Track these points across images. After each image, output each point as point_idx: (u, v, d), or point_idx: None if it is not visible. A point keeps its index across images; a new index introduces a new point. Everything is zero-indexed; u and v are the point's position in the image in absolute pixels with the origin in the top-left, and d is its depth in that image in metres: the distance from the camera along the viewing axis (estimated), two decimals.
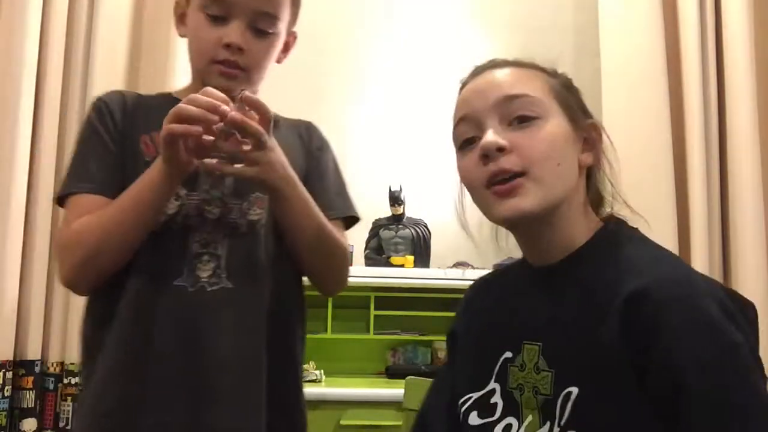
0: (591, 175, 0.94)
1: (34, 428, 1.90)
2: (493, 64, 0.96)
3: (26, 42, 1.92)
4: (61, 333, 1.93)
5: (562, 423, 0.80)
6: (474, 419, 0.91)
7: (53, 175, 1.97)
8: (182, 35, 1.14)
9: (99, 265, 1.01)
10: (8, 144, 1.89)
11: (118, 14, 2.05)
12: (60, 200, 1.07)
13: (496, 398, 0.91)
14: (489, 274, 1.09)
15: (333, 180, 1.18)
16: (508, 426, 0.87)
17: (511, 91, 0.89)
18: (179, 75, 2.01)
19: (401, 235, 2.22)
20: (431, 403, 1.04)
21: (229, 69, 1.08)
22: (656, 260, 0.84)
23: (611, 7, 2.20)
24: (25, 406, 1.89)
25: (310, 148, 1.18)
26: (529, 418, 0.85)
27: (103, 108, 1.09)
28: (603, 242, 0.89)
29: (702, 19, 2.11)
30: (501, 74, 0.93)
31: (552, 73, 0.95)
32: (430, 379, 1.11)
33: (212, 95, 0.94)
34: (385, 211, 2.24)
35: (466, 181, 0.92)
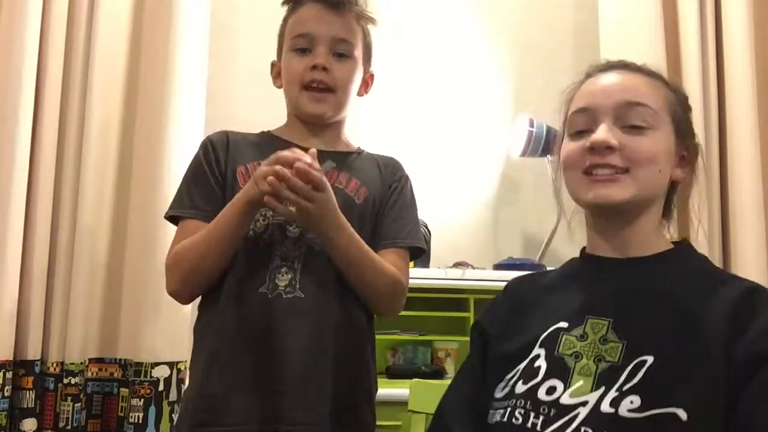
0: (672, 191, 1.02)
1: (34, 428, 1.90)
2: (624, 65, 1.02)
3: (26, 42, 1.92)
4: (61, 333, 1.93)
5: (626, 388, 0.84)
6: (520, 387, 0.93)
7: (53, 175, 1.97)
8: (279, 86, 1.36)
9: (195, 281, 1.23)
10: (8, 144, 1.89)
11: (118, 14, 2.05)
12: (171, 219, 1.30)
13: (540, 362, 0.93)
14: (527, 274, 1.14)
15: (406, 212, 1.34)
16: (552, 388, 0.90)
17: (634, 98, 0.96)
18: (179, 75, 2.01)
19: None
20: (449, 402, 1.05)
21: (316, 93, 1.27)
22: (742, 278, 0.96)
23: (611, 7, 2.20)
24: (25, 406, 1.89)
25: (389, 180, 1.35)
26: (579, 383, 0.88)
27: (208, 146, 1.31)
28: (685, 255, 0.99)
29: (702, 20, 2.12)
30: (629, 78, 0.99)
31: (673, 88, 1.02)
32: (435, 381, 1.12)
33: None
34: None
35: (567, 162, 0.99)
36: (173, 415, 1.91)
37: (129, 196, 2.01)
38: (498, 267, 2.17)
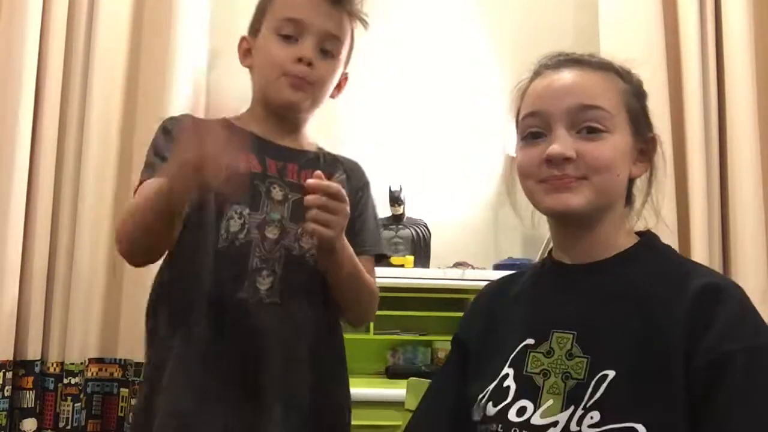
0: (631, 184, 0.98)
1: (34, 428, 1.90)
2: (575, 61, 0.97)
3: (26, 42, 1.92)
4: (61, 333, 1.93)
5: (589, 404, 0.83)
6: (490, 409, 0.92)
7: (53, 175, 1.97)
8: (247, 65, 1.26)
9: (137, 249, 1.12)
10: (8, 144, 1.89)
11: (118, 14, 2.05)
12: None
13: (509, 382, 0.92)
14: (502, 278, 1.10)
15: (370, 219, 1.28)
16: (522, 409, 0.89)
17: (585, 101, 0.91)
18: (179, 75, 2.01)
19: (401, 235, 2.22)
20: (421, 415, 1.05)
21: (296, 81, 1.17)
22: (708, 269, 0.94)
23: (611, 7, 2.20)
24: (25, 406, 1.89)
25: (353, 187, 1.26)
26: (549, 402, 0.87)
27: (167, 131, 1.19)
28: (648, 249, 0.95)
29: (702, 19, 2.11)
30: (579, 78, 0.94)
31: (626, 77, 0.97)
32: (441, 368, 1.11)
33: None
34: (385, 212, 2.24)
35: (522, 171, 0.95)
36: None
37: (129, 195, 2.00)
38: (498, 267, 2.17)
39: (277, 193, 1.17)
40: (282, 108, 1.22)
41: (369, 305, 1.24)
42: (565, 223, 0.96)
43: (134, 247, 1.12)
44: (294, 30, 1.18)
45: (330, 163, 1.26)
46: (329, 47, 1.20)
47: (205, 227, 1.14)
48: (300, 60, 1.16)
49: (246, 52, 1.26)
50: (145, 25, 2.07)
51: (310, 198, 1.05)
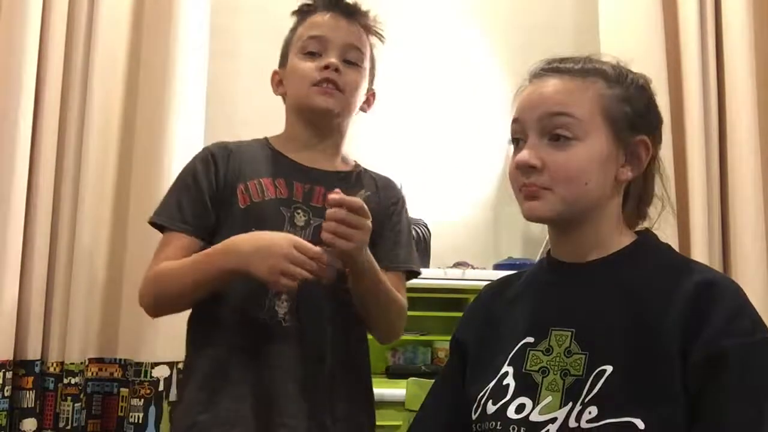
0: (629, 187, 0.99)
1: (34, 428, 1.90)
2: (556, 69, 0.97)
3: (26, 42, 1.92)
4: (61, 333, 1.93)
5: (587, 399, 0.84)
6: (490, 407, 0.93)
7: (53, 175, 1.96)
8: (280, 94, 1.34)
9: (167, 307, 1.23)
10: (8, 144, 1.89)
11: (118, 15, 2.05)
12: (155, 225, 1.26)
13: (509, 380, 0.93)
14: (500, 278, 1.12)
15: (404, 234, 1.33)
16: (521, 406, 0.90)
17: (553, 109, 0.93)
18: (179, 76, 2.01)
19: None
20: (421, 419, 1.06)
21: (326, 88, 1.25)
22: (704, 266, 0.96)
23: (611, 7, 2.20)
24: (25, 406, 1.89)
25: (386, 202, 1.32)
26: (548, 399, 0.88)
27: (209, 159, 1.26)
28: (645, 248, 0.97)
29: (702, 20, 2.11)
30: (554, 87, 0.95)
31: (615, 80, 0.96)
32: (432, 381, 1.12)
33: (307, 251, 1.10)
34: None
35: (509, 177, 0.99)
36: (173, 415, 1.91)
37: (129, 196, 2.01)
38: (498, 267, 2.17)
39: (300, 219, 1.22)
40: (316, 115, 1.28)
41: (396, 321, 1.27)
42: (551, 226, 0.99)
43: (161, 305, 1.23)
44: (317, 46, 1.27)
45: (359, 181, 1.30)
46: (352, 58, 1.28)
47: None
48: (327, 67, 1.24)
49: (278, 83, 1.34)
50: (145, 26, 2.07)
51: (330, 211, 1.09)
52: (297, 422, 1.15)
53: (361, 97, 1.32)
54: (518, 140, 0.97)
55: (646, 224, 1.02)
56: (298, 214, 1.22)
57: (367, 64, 1.32)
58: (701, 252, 2.01)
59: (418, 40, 2.50)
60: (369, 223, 1.11)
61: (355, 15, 1.30)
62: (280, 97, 1.36)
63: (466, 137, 2.45)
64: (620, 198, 0.98)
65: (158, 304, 1.22)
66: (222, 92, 2.29)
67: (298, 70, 1.27)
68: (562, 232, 0.97)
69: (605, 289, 0.93)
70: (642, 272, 0.92)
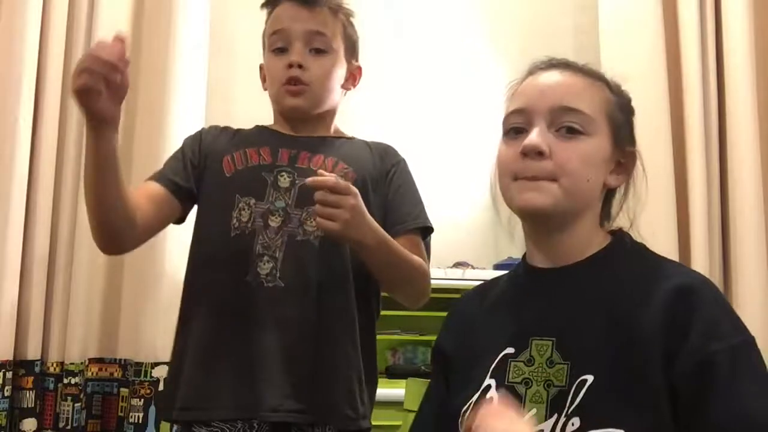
0: (610, 195, 0.99)
1: (34, 428, 1.90)
2: (566, 64, 0.98)
3: (26, 42, 1.92)
4: (61, 333, 1.93)
5: (570, 411, 0.83)
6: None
7: (53, 175, 1.97)
8: (266, 89, 1.34)
9: (92, 213, 1.22)
10: (8, 144, 1.89)
11: (118, 14, 2.05)
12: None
13: (491, 393, 0.92)
14: (478, 285, 1.10)
15: (408, 194, 1.32)
16: None
17: (569, 103, 0.92)
18: (179, 74, 2.01)
19: None
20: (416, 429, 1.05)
21: (293, 87, 1.26)
22: (679, 266, 0.95)
23: (611, 8, 2.20)
24: (25, 406, 1.89)
25: (384, 165, 1.33)
26: (533, 411, 0.86)
27: (197, 134, 1.36)
28: (620, 250, 0.95)
29: (702, 20, 2.11)
30: (566, 80, 0.95)
31: (615, 90, 0.98)
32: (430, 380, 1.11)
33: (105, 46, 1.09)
34: None
35: (500, 166, 0.97)
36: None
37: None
38: (498, 267, 2.17)
39: (284, 181, 1.24)
40: (290, 114, 1.31)
41: (419, 285, 1.26)
42: (536, 224, 0.96)
43: (91, 220, 1.22)
44: (282, 41, 1.28)
45: (349, 146, 1.32)
46: (318, 44, 1.28)
47: (218, 218, 1.24)
48: (290, 66, 1.25)
49: (264, 78, 1.35)
50: (145, 25, 2.07)
51: (316, 195, 1.11)
52: (277, 376, 1.16)
53: (338, 79, 1.32)
54: (518, 130, 0.95)
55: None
56: (282, 176, 1.25)
57: (338, 45, 1.31)
58: (701, 252, 2.01)
59: (418, 40, 2.50)
60: (350, 199, 1.11)
61: (313, 2, 1.29)
62: None
63: (466, 137, 2.45)
64: (601, 203, 0.98)
65: (91, 218, 1.22)
66: (222, 92, 2.29)
67: (269, 70, 1.31)
68: (545, 232, 0.95)
69: (583, 294, 0.91)
70: (618, 275, 0.92)
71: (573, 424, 0.82)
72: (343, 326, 1.23)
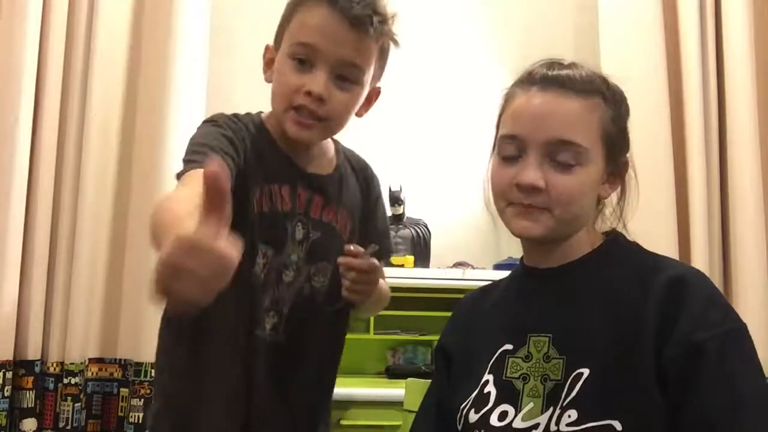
0: (599, 201, 1.00)
1: (34, 428, 1.90)
2: (559, 83, 0.95)
3: (26, 43, 1.92)
4: (61, 333, 1.93)
5: (566, 403, 0.84)
6: (472, 416, 0.94)
7: (53, 175, 1.97)
8: (267, 80, 1.15)
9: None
10: (8, 144, 1.89)
11: (118, 14, 2.05)
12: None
13: (489, 387, 0.94)
14: (480, 287, 1.13)
15: (382, 225, 1.33)
16: (504, 413, 0.90)
17: (564, 136, 0.92)
18: (179, 74, 2.01)
19: (401, 235, 2.22)
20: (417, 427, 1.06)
21: (303, 119, 1.08)
22: (672, 261, 0.96)
23: (611, 8, 2.20)
24: (25, 406, 1.89)
25: (369, 196, 1.29)
26: (530, 405, 0.88)
27: (240, 124, 1.12)
28: (613, 248, 0.97)
29: (702, 20, 2.11)
30: (561, 107, 0.93)
31: (610, 99, 0.96)
32: (430, 380, 1.12)
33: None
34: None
35: (495, 189, 0.98)
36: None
37: (129, 195, 2.01)
38: (498, 267, 2.17)
39: (299, 233, 1.17)
40: (290, 141, 1.14)
41: (382, 307, 1.32)
42: (531, 241, 0.99)
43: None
44: (307, 55, 1.07)
45: (345, 181, 1.25)
46: (347, 74, 1.09)
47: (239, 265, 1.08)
48: (308, 94, 1.07)
49: (269, 62, 1.16)
50: (145, 25, 2.07)
51: (349, 276, 1.12)
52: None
53: (353, 112, 1.16)
54: (511, 156, 0.95)
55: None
56: (298, 228, 1.18)
57: (368, 77, 1.14)
58: (701, 252, 2.01)
59: (418, 39, 2.50)
60: (376, 276, 1.15)
61: (360, 25, 1.07)
62: None
63: (466, 137, 2.45)
64: (596, 210, 0.99)
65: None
66: (222, 92, 2.29)
67: (281, 79, 1.11)
68: (542, 247, 0.98)
69: (579, 291, 0.93)
70: (613, 273, 0.93)
71: (569, 416, 0.84)
72: (330, 379, 1.27)
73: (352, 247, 1.12)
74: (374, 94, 1.22)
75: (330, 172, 1.23)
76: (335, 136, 1.23)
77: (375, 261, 1.14)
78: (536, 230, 0.92)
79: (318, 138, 1.15)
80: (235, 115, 1.16)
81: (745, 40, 2.05)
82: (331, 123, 1.12)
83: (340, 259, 1.12)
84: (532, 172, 0.91)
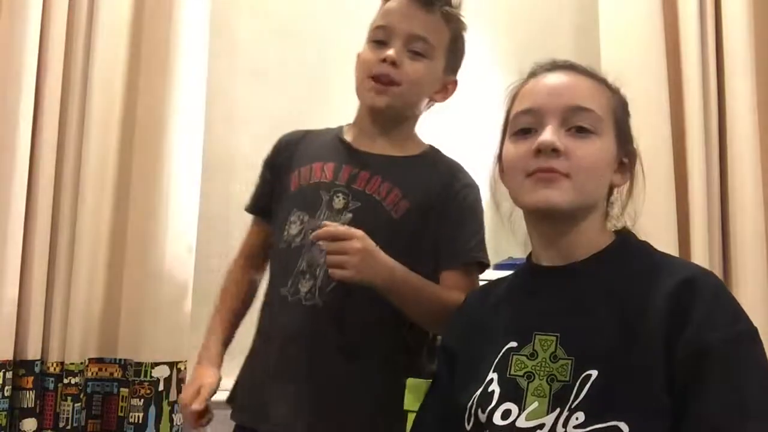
0: (610, 195, 1.01)
1: (34, 428, 1.90)
2: (570, 66, 1.00)
3: (26, 42, 1.92)
4: (61, 333, 1.93)
5: (574, 405, 0.84)
6: (481, 416, 0.93)
7: (53, 175, 1.96)
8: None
9: None
10: (8, 144, 1.89)
11: (118, 14, 2.05)
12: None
13: (494, 386, 0.93)
14: (484, 285, 1.12)
15: (454, 231, 1.27)
16: (507, 411, 0.90)
17: (582, 103, 0.94)
18: (179, 75, 2.01)
19: None
20: (415, 429, 1.06)
21: (380, 84, 1.23)
22: (683, 261, 1.00)
23: (611, 8, 2.20)
24: (25, 406, 1.89)
25: (446, 190, 1.28)
26: (534, 404, 0.87)
27: (277, 145, 1.37)
28: (625, 248, 0.97)
29: (702, 20, 2.11)
30: (574, 80, 0.97)
31: (615, 92, 1.00)
32: (431, 381, 1.12)
33: None
34: None
35: (510, 165, 0.98)
36: (173, 415, 1.91)
37: (129, 196, 2.01)
38: (498, 267, 2.16)
39: (338, 202, 1.23)
40: (370, 112, 1.27)
41: (439, 318, 1.19)
42: (546, 221, 0.97)
43: None
44: (384, 35, 1.25)
45: (416, 166, 1.28)
46: (418, 48, 1.24)
47: (276, 230, 1.28)
48: (384, 60, 1.22)
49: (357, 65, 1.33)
50: (145, 25, 2.07)
51: (321, 246, 1.14)
52: (281, 411, 1.20)
53: (429, 86, 1.29)
54: (527, 130, 0.96)
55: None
56: (338, 197, 1.23)
57: (440, 54, 1.28)
58: (701, 252, 2.01)
59: None
60: (354, 243, 1.10)
61: (429, 2, 1.25)
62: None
63: (466, 138, 2.45)
64: (607, 202, 1.00)
65: None
66: (222, 92, 2.29)
67: (360, 58, 1.28)
68: (553, 230, 0.97)
69: (588, 291, 0.93)
70: (623, 273, 0.93)
71: (577, 419, 0.83)
72: (371, 352, 1.22)
73: (326, 222, 1.16)
74: (451, 84, 1.36)
75: (398, 155, 1.29)
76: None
77: (346, 228, 1.12)
78: (558, 198, 0.91)
79: (393, 103, 1.24)
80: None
81: (745, 39, 2.05)
82: (404, 89, 1.24)
83: (312, 235, 1.15)
84: (550, 134, 0.92)
